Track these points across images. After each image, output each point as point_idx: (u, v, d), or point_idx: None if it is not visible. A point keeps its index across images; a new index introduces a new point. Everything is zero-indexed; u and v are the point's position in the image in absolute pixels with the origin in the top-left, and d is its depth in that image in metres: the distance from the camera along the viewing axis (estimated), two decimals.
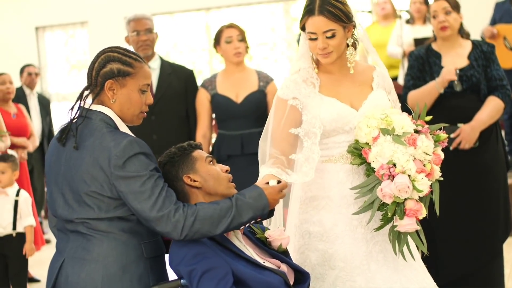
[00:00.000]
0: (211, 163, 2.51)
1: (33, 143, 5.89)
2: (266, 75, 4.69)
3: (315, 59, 2.87)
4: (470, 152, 4.02)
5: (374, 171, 2.63)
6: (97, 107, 2.45)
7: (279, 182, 2.52)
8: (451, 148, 3.96)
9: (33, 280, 5.79)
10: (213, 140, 4.73)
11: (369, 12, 7.73)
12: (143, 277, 2.41)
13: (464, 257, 4.04)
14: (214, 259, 2.33)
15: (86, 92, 2.48)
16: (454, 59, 4.10)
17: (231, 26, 4.63)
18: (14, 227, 4.49)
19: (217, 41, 4.63)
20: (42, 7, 10.06)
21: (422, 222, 2.66)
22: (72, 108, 2.49)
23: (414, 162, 2.58)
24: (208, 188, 2.47)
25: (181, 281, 2.40)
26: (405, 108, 3.01)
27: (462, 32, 4.16)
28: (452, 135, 3.96)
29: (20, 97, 6.67)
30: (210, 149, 4.68)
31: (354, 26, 2.81)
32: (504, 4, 6.87)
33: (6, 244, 4.49)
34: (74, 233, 2.42)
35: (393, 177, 2.56)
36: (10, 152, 5.09)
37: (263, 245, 2.58)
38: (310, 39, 2.78)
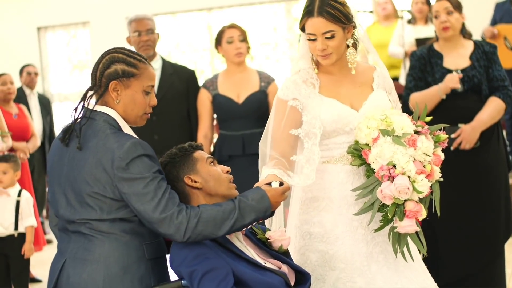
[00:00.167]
0: (212, 164, 2.51)
1: (34, 143, 5.88)
2: (267, 76, 4.69)
3: (315, 60, 2.87)
4: (471, 152, 4.02)
5: (374, 172, 2.62)
6: (101, 108, 2.45)
7: (281, 183, 2.52)
8: (451, 148, 3.96)
9: (35, 280, 5.77)
10: (215, 141, 4.73)
11: (370, 12, 7.72)
12: (144, 278, 2.41)
13: (465, 258, 4.03)
14: (215, 260, 2.33)
15: (90, 93, 2.48)
16: (456, 60, 4.09)
17: (232, 26, 4.63)
18: (16, 228, 4.48)
19: (218, 42, 4.63)
20: (44, 7, 10.06)
21: (422, 222, 2.66)
22: (75, 109, 2.49)
23: (414, 163, 2.57)
24: (208, 189, 2.47)
25: (182, 282, 2.39)
26: (406, 109, 3.00)
27: (464, 32, 4.15)
28: (452, 135, 3.95)
29: (21, 97, 6.67)
30: (212, 149, 4.69)
31: (354, 27, 2.80)
32: (504, 5, 6.87)
33: (8, 244, 4.48)
34: (76, 233, 2.42)
35: (393, 178, 2.56)
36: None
37: (264, 245, 2.58)
38: (310, 40, 2.77)
